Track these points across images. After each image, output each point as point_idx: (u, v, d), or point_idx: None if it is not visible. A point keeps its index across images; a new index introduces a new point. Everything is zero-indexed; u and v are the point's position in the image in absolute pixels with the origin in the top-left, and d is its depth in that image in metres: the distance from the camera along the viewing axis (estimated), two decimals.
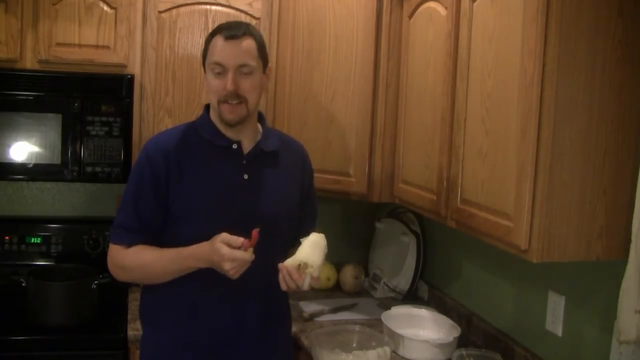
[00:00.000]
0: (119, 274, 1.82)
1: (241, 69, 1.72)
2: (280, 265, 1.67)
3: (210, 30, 2.50)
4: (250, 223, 1.63)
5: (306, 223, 1.94)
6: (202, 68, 1.81)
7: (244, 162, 1.81)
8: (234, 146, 1.80)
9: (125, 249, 1.76)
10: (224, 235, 1.61)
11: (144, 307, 1.89)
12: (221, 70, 1.71)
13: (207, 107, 1.86)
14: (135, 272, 1.80)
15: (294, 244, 1.76)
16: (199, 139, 1.80)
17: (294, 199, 1.91)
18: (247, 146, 1.83)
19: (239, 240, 1.59)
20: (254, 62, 1.74)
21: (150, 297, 1.86)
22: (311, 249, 1.70)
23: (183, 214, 1.75)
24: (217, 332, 1.79)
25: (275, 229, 1.78)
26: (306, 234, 1.76)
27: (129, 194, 1.79)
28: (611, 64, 1.53)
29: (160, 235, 1.77)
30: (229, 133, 1.80)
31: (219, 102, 1.74)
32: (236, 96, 1.72)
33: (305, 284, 1.68)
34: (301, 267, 1.66)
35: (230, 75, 1.70)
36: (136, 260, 1.76)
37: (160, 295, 1.81)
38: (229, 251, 1.58)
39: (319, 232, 1.77)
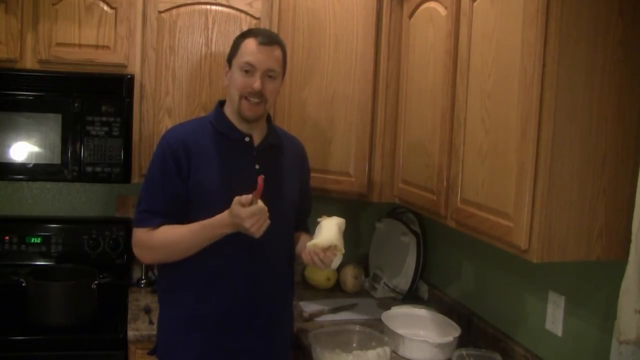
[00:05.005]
0: (145, 256, 1.96)
1: (268, 73, 1.90)
2: (309, 243, 1.85)
3: (211, 30, 2.54)
4: None
5: (302, 216, 2.15)
6: (227, 65, 1.96)
7: (255, 153, 1.96)
8: (247, 139, 1.96)
9: (151, 231, 1.87)
10: (237, 198, 1.73)
11: (161, 286, 2.01)
12: (250, 69, 1.88)
13: (220, 104, 2.01)
14: (163, 251, 1.89)
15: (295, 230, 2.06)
16: (214, 132, 1.95)
17: (296, 189, 2.08)
18: (257, 140, 1.99)
19: (249, 196, 1.71)
20: (279, 69, 1.94)
21: (168, 276, 1.97)
22: (339, 233, 1.88)
23: (201, 200, 1.87)
24: (232, 308, 1.91)
25: (284, 215, 1.98)
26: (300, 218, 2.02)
27: (153, 180, 1.91)
28: (611, 64, 1.53)
29: (181, 220, 1.87)
30: (242, 127, 1.95)
31: (241, 97, 1.89)
32: (259, 96, 1.88)
33: (335, 264, 1.87)
34: (331, 248, 1.84)
35: (258, 77, 1.87)
36: (164, 239, 1.87)
37: (178, 274, 1.92)
38: (244, 210, 1.70)
39: (330, 216, 1.95)
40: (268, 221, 1.74)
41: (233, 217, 1.73)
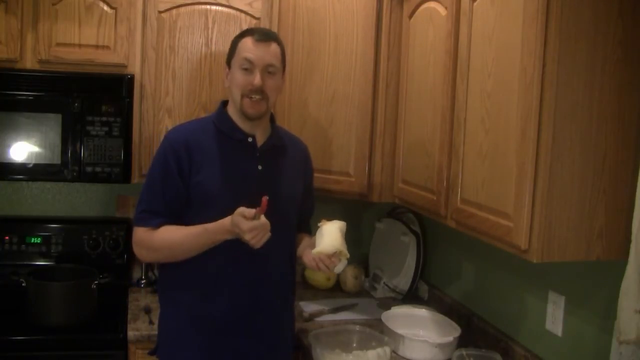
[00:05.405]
0: (145, 256, 1.95)
1: (268, 69, 1.89)
2: (314, 251, 1.86)
3: (211, 30, 2.54)
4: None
5: (305, 217, 2.15)
6: (227, 66, 1.96)
7: (258, 154, 1.95)
8: (250, 139, 1.94)
9: (152, 231, 1.87)
10: (240, 209, 1.72)
11: (162, 286, 2.02)
12: (249, 67, 1.88)
13: (223, 104, 2.01)
14: (163, 252, 1.90)
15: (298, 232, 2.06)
16: (217, 132, 1.94)
17: (299, 190, 2.07)
18: (260, 140, 1.97)
19: (252, 211, 1.71)
20: (278, 64, 1.93)
21: (169, 276, 1.97)
22: (342, 238, 1.88)
23: (203, 200, 1.87)
24: (233, 309, 1.91)
25: (286, 216, 1.97)
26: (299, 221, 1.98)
27: (154, 180, 1.91)
28: (611, 64, 1.53)
29: (182, 220, 1.87)
30: (245, 127, 1.94)
31: (242, 95, 1.89)
32: (260, 92, 1.88)
33: (340, 269, 1.89)
34: (336, 253, 1.85)
35: (257, 73, 1.87)
36: (164, 241, 1.87)
37: (179, 274, 1.92)
38: (246, 223, 1.70)
39: (334, 220, 1.94)
40: (269, 234, 1.73)
41: (234, 226, 1.73)
